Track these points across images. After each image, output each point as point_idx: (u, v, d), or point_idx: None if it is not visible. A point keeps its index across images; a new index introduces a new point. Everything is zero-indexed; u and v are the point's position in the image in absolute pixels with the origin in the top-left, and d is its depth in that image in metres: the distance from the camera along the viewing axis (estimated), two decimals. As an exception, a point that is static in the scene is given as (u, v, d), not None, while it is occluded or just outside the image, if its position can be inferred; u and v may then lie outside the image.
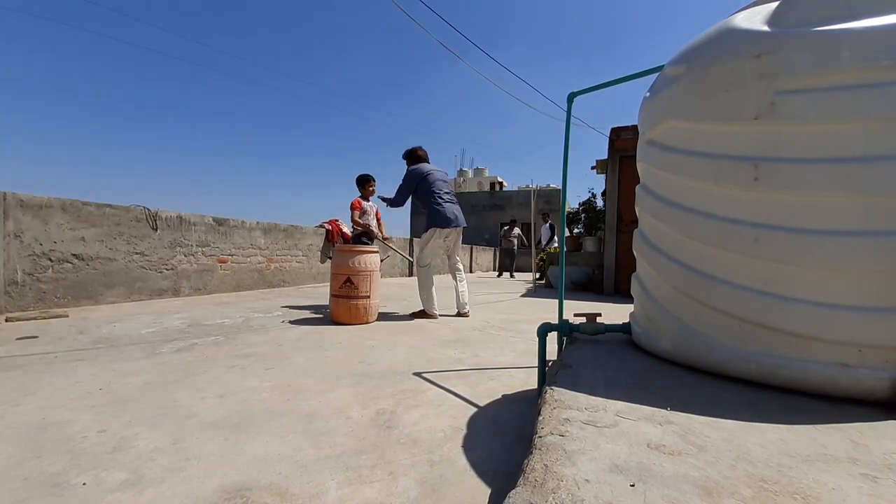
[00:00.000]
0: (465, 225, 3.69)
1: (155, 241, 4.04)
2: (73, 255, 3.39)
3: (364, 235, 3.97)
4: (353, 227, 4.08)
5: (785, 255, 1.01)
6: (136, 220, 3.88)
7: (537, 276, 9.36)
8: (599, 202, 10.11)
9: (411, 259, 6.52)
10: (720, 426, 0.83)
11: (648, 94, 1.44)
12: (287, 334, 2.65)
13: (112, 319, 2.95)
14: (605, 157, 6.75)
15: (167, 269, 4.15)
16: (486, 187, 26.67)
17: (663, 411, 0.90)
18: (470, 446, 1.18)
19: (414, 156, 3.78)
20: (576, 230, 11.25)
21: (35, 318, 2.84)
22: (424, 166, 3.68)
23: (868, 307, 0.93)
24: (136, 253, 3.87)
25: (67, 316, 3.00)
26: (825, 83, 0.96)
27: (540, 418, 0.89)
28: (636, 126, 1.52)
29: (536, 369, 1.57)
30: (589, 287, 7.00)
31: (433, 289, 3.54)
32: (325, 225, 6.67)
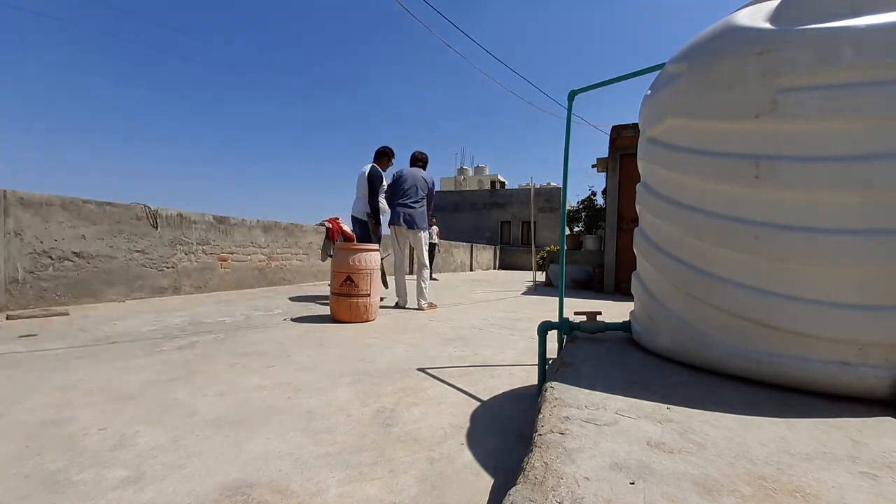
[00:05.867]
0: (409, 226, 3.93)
1: (155, 239, 4.04)
2: (74, 252, 3.39)
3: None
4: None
5: (786, 254, 1.00)
6: (136, 219, 3.88)
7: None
8: (600, 200, 10.11)
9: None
10: (720, 424, 0.83)
11: (650, 91, 1.43)
12: (288, 332, 2.65)
13: (113, 317, 2.95)
14: (606, 155, 6.75)
15: (168, 268, 4.16)
16: (487, 185, 26.62)
17: (663, 409, 0.90)
18: (470, 444, 1.19)
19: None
20: (576, 228, 11.24)
21: (36, 316, 2.84)
22: (404, 170, 4.05)
23: (869, 305, 0.93)
24: (137, 251, 3.87)
25: (68, 314, 3.01)
26: (827, 81, 0.96)
27: (540, 416, 0.89)
28: (637, 124, 1.51)
29: (536, 367, 1.57)
30: (589, 285, 7.00)
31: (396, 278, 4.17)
32: (326, 223, 6.67)
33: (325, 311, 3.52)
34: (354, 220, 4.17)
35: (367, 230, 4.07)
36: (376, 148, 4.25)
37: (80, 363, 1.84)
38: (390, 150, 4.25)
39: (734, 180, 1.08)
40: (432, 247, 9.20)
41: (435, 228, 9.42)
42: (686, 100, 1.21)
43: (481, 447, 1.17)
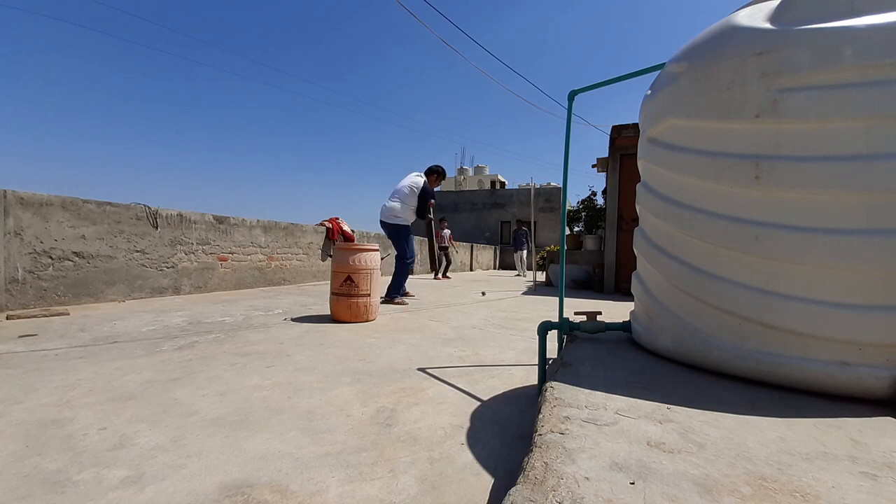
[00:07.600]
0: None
1: (155, 239, 4.05)
2: (74, 252, 3.39)
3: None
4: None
5: (786, 254, 1.00)
6: (136, 219, 3.88)
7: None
8: (600, 200, 10.11)
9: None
10: (720, 424, 0.83)
11: (650, 91, 1.43)
12: (287, 332, 2.65)
13: (113, 317, 2.95)
14: (606, 155, 6.75)
15: (168, 268, 4.16)
16: (487, 185, 26.62)
17: (663, 409, 0.90)
18: (470, 444, 1.19)
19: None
20: (576, 228, 11.25)
21: (36, 316, 2.84)
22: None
23: (868, 305, 0.93)
24: (137, 251, 3.87)
25: (68, 314, 3.01)
26: (827, 81, 0.96)
27: (540, 416, 0.89)
28: (637, 124, 1.51)
29: (536, 367, 1.57)
30: (589, 285, 7.00)
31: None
32: (326, 223, 6.67)
33: (325, 311, 3.52)
34: (389, 226, 4.26)
35: (397, 234, 4.26)
36: (429, 165, 4.63)
37: (80, 363, 1.84)
38: (442, 169, 4.69)
39: (734, 180, 1.08)
40: (444, 249, 9.17)
41: (447, 232, 9.45)
42: (686, 100, 1.21)
43: (481, 447, 1.17)
